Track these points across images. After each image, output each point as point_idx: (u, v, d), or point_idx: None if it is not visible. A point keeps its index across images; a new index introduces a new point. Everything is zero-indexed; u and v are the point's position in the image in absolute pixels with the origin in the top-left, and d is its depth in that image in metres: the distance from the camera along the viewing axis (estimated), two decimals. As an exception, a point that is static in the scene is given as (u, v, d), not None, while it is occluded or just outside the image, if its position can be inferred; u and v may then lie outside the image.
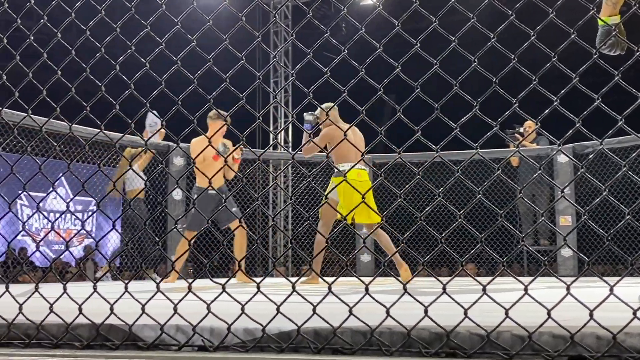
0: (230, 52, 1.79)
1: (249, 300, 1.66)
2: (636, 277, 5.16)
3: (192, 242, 5.75)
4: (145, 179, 7.45)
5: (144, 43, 1.98)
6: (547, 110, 1.54)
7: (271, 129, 12.76)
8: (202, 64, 1.86)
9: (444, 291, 1.53)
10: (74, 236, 11.71)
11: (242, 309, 1.64)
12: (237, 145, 5.54)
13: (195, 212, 5.63)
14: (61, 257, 9.16)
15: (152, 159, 7.49)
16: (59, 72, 1.91)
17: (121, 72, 1.91)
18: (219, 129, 5.63)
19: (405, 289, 1.57)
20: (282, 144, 12.57)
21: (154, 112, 2.07)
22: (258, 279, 1.74)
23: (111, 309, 1.74)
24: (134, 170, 7.35)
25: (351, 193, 5.19)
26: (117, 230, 1.86)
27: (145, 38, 1.91)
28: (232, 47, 1.76)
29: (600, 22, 2.21)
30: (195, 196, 5.77)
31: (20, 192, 1.96)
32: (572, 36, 1.48)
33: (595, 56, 1.46)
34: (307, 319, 1.58)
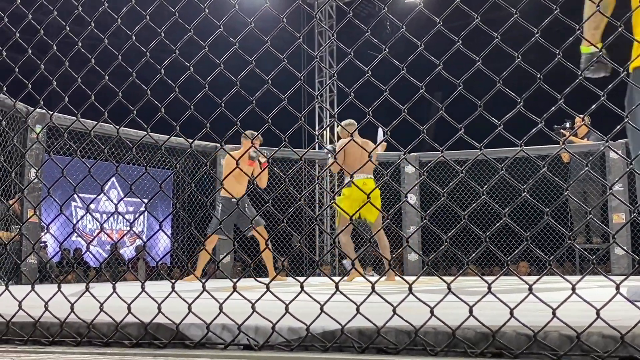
0: (278, 51, 1.80)
1: (292, 300, 1.67)
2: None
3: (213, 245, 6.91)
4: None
5: (191, 46, 2.01)
6: (593, 106, 1.50)
7: (317, 128, 12.79)
8: (248, 65, 1.87)
9: (489, 290, 1.51)
10: (122, 237, 11.98)
11: (286, 309, 1.65)
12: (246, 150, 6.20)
13: (220, 219, 6.54)
14: (114, 256, 9.38)
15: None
16: (107, 77, 1.95)
17: (168, 74, 1.95)
18: (249, 147, 6.37)
19: (449, 288, 1.55)
20: (328, 143, 12.59)
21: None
22: (302, 279, 1.75)
23: (159, 308, 1.78)
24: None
25: (350, 199, 6.00)
26: (164, 231, 1.89)
27: (191, 42, 1.94)
28: (279, 48, 1.77)
29: (583, 50, 2.40)
30: (220, 205, 6.69)
31: (72, 194, 2.02)
32: (620, 29, 1.44)
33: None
34: (351, 319, 1.58)
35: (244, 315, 1.67)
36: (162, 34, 1.89)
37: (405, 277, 1.67)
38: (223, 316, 1.70)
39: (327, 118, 12.84)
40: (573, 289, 1.44)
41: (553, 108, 1.53)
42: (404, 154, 1.59)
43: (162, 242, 10.19)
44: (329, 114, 12.76)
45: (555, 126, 8.02)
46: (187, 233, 7.87)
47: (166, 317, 1.74)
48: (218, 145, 8.04)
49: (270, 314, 1.65)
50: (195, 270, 6.50)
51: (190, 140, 1.91)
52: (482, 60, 1.58)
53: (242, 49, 1.85)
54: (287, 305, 1.66)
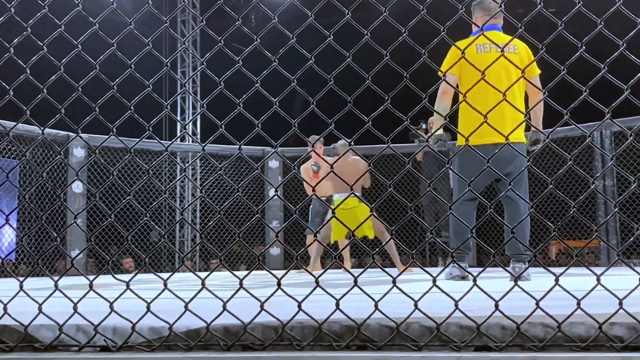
0: (137, 39, 1.71)
1: (155, 298, 1.60)
2: (541, 267, 5.40)
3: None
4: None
5: (45, 27, 1.86)
6: (454, 106, 1.57)
7: (179, 119, 12.49)
8: (108, 49, 1.76)
9: (355, 284, 1.53)
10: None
11: (148, 307, 1.58)
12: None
13: (311, 219, 7.48)
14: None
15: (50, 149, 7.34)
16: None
17: (21, 57, 1.78)
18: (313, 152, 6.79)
19: (317, 282, 1.55)
20: (191, 135, 12.33)
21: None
22: (164, 275, 1.68)
23: (4, 309, 1.63)
24: None
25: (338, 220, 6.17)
26: (10, 225, 1.73)
27: (45, 21, 1.79)
28: (141, 36, 1.68)
29: (435, 133, 3.58)
30: (311, 206, 7.54)
31: None
32: (463, 37, 1.51)
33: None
34: (217, 316, 1.54)
35: (102, 315, 1.57)
36: (12, 9, 1.73)
37: (273, 271, 1.65)
38: (78, 316, 1.58)
39: (190, 109, 12.57)
40: (434, 281, 1.49)
41: (417, 107, 1.58)
42: (275, 148, 1.57)
43: (7, 237, 9.47)
44: (192, 106, 12.51)
45: (412, 126, 8.39)
46: (35, 227, 7.36)
47: (12, 318, 1.60)
48: (71, 134, 7.60)
49: (131, 313, 1.56)
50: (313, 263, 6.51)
51: (42, 128, 1.76)
52: (362, 57, 1.59)
53: (98, 30, 1.72)
54: (148, 304, 1.59)
